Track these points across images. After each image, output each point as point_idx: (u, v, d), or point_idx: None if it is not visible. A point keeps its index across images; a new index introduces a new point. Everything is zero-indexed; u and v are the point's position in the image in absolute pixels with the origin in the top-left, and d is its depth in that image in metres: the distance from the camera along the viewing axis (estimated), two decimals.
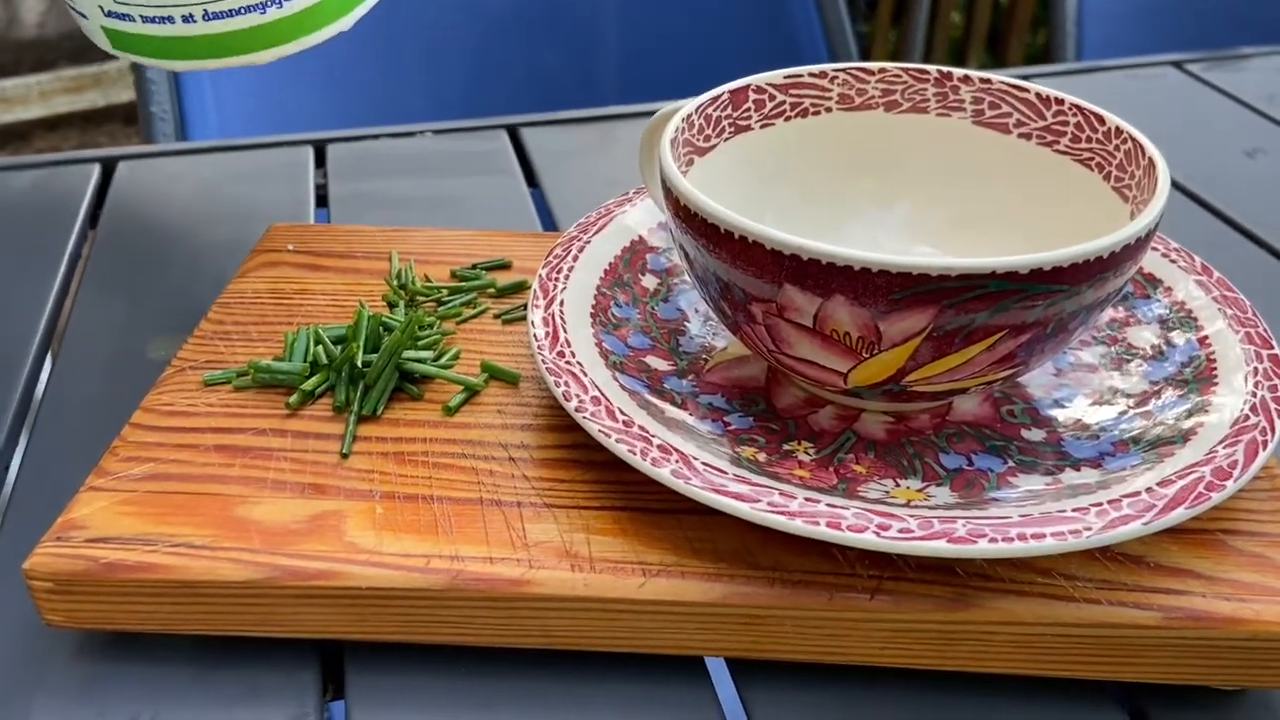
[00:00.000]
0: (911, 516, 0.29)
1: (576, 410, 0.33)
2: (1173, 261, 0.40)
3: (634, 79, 1.02)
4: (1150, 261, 0.40)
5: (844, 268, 0.29)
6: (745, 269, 0.32)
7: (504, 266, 0.46)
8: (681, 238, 0.34)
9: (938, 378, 0.32)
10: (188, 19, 0.41)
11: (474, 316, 0.42)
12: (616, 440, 0.32)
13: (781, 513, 0.29)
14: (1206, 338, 0.37)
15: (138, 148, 0.65)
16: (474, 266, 0.45)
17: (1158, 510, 0.29)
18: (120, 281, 0.52)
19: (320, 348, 0.38)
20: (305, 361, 0.38)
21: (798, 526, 0.29)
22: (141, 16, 0.41)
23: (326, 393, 0.38)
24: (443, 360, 0.39)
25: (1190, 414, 0.34)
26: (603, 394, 0.34)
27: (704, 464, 0.31)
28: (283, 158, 0.65)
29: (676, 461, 0.31)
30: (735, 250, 0.31)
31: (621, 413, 0.33)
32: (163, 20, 0.41)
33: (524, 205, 0.59)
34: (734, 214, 0.31)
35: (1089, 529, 0.29)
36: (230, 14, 0.41)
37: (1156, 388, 0.36)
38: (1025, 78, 0.78)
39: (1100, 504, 0.30)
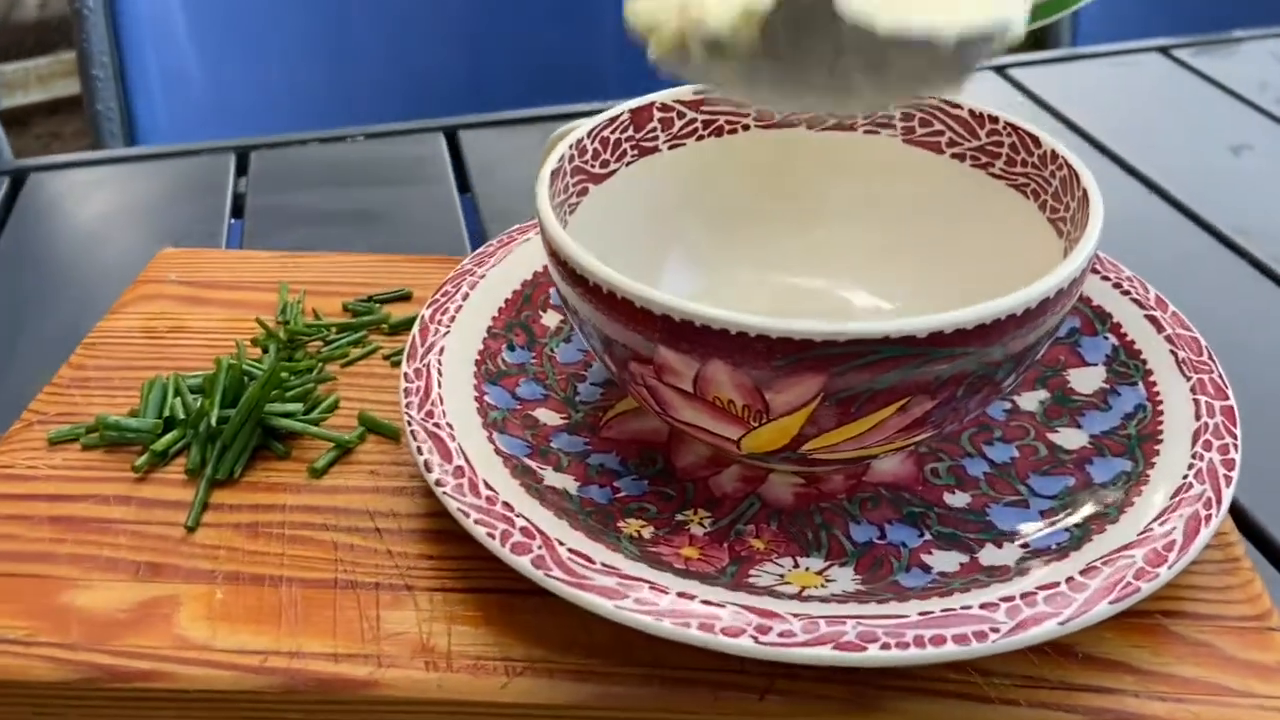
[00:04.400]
0: (796, 615, 0.26)
1: (437, 484, 0.29)
2: (1125, 293, 0.36)
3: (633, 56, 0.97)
4: (1099, 292, 0.36)
5: (719, 331, 0.26)
6: (623, 323, 0.28)
7: (403, 298, 0.42)
8: (560, 285, 0.30)
9: (842, 445, 0.28)
10: None
11: (362, 358, 0.39)
12: (475, 521, 0.28)
13: (649, 612, 0.26)
14: (1155, 385, 0.33)
15: (49, 158, 0.62)
16: (369, 299, 0.42)
17: (1077, 606, 0.26)
18: (8, 310, 0.48)
19: (178, 400, 0.35)
20: (159, 417, 0.34)
21: (666, 629, 0.25)
22: None
23: (183, 452, 0.34)
24: (316, 411, 0.35)
25: (1129, 479, 0.30)
26: (468, 463, 0.30)
27: (569, 551, 0.27)
28: (203, 166, 0.61)
29: (539, 547, 0.28)
30: (607, 305, 0.28)
31: (487, 485, 0.29)
32: None
33: (454, 218, 0.56)
34: (601, 264, 0.27)
35: (996, 630, 0.25)
36: None
37: (1096, 444, 0.32)
38: (1007, 67, 0.73)
39: (1012, 599, 0.26)
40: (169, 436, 0.34)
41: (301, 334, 0.39)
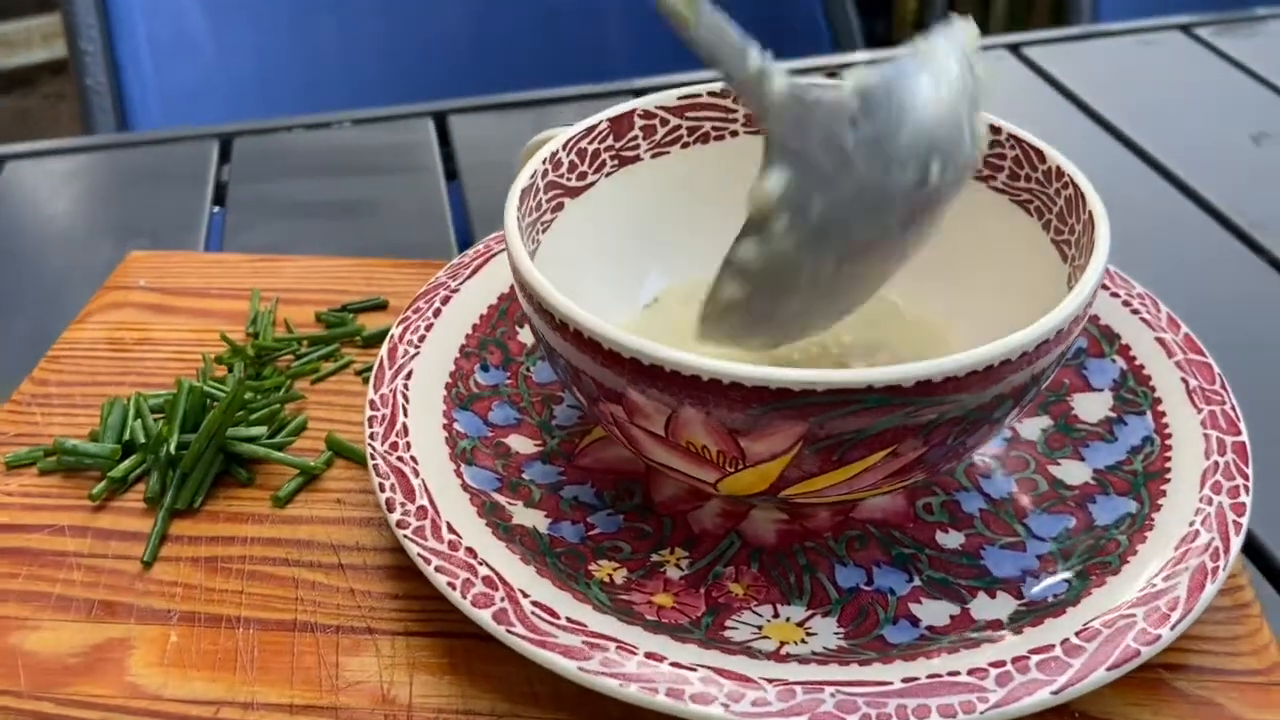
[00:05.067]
0: (771, 681, 0.24)
1: (398, 525, 0.28)
2: (1134, 311, 0.34)
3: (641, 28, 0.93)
4: (1108, 310, 0.34)
5: (691, 377, 0.24)
6: (591, 358, 0.26)
7: (379, 307, 0.40)
8: (527, 313, 0.29)
9: (827, 490, 0.27)
10: None
11: (333, 373, 0.37)
12: (435, 568, 0.27)
13: (615, 675, 0.24)
14: (1164, 416, 0.31)
15: (28, 145, 0.60)
16: (343, 308, 0.40)
17: (1072, 674, 0.24)
18: None
19: (139, 423, 0.34)
20: (118, 442, 0.33)
21: (632, 694, 0.24)
22: None
23: (143, 478, 0.33)
24: (283, 434, 0.34)
25: (1134, 523, 0.28)
26: (432, 502, 0.29)
27: (533, 604, 0.26)
28: (185, 153, 0.59)
29: (502, 599, 0.26)
30: (575, 342, 0.26)
31: (450, 529, 0.28)
32: None
33: (440, 211, 0.54)
34: (567, 300, 0.26)
35: (985, 700, 0.24)
36: None
37: (1099, 479, 0.30)
38: (1021, 45, 0.71)
39: (1003, 664, 0.24)
40: (127, 463, 0.32)
41: (270, 349, 0.37)
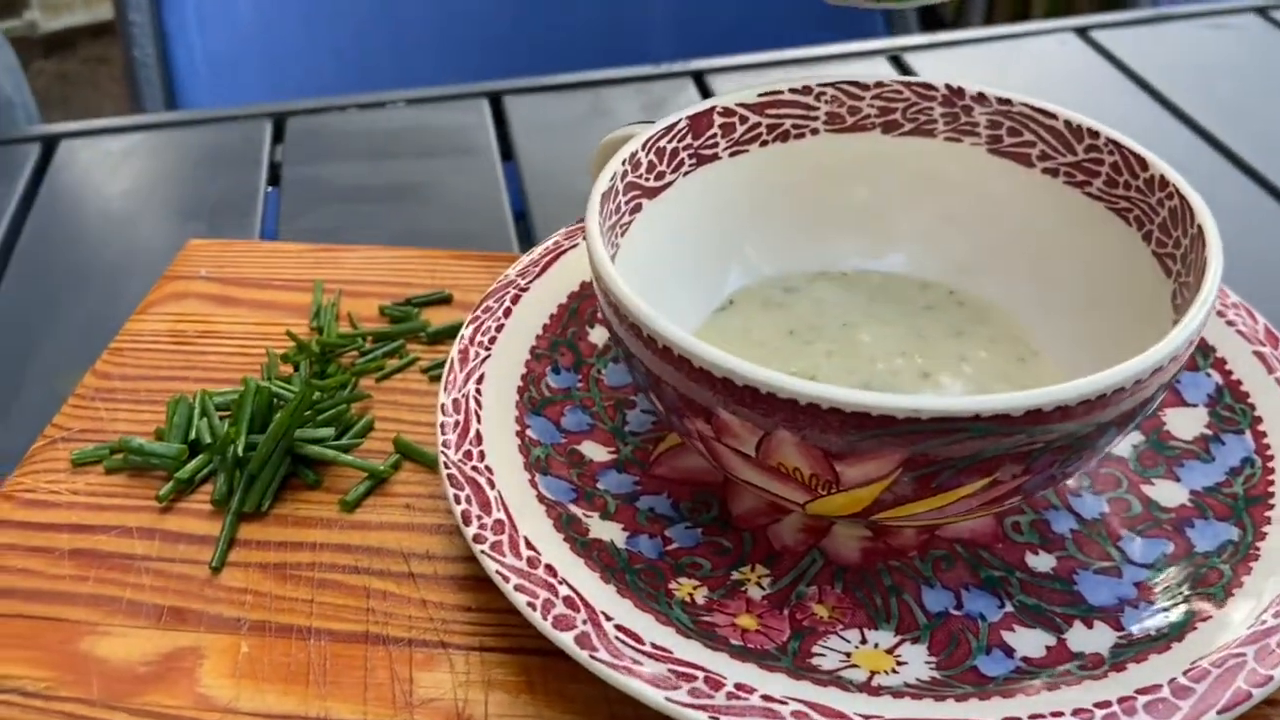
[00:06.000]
0: (867, 718, 0.23)
1: (475, 540, 0.27)
2: (1229, 323, 0.33)
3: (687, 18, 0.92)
4: None
5: (788, 400, 0.23)
6: (681, 372, 0.25)
7: (443, 301, 0.40)
8: (610, 322, 0.28)
9: (920, 515, 0.26)
10: None
11: (398, 370, 0.36)
12: (515, 587, 0.26)
13: (704, 708, 0.24)
14: (1265, 436, 0.30)
15: (81, 124, 0.60)
16: (407, 302, 0.39)
17: (1182, 716, 0.23)
18: (39, 293, 0.47)
19: (204, 422, 0.33)
20: (184, 441, 0.33)
21: None
22: None
23: (210, 479, 0.32)
24: (349, 435, 0.33)
25: (1236, 551, 0.27)
26: (509, 515, 0.28)
27: (616, 628, 0.25)
28: (239, 132, 0.59)
29: (584, 621, 0.25)
30: (662, 356, 0.25)
31: (528, 544, 0.27)
32: None
33: (496, 195, 0.53)
34: (657, 315, 0.25)
35: None
36: None
37: (1196, 502, 0.29)
38: (1087, 28, 0.68)
39: (1108, 704, 0.23)
40: (194, 463, 0.32)
41: (335, 345, 0.37)
